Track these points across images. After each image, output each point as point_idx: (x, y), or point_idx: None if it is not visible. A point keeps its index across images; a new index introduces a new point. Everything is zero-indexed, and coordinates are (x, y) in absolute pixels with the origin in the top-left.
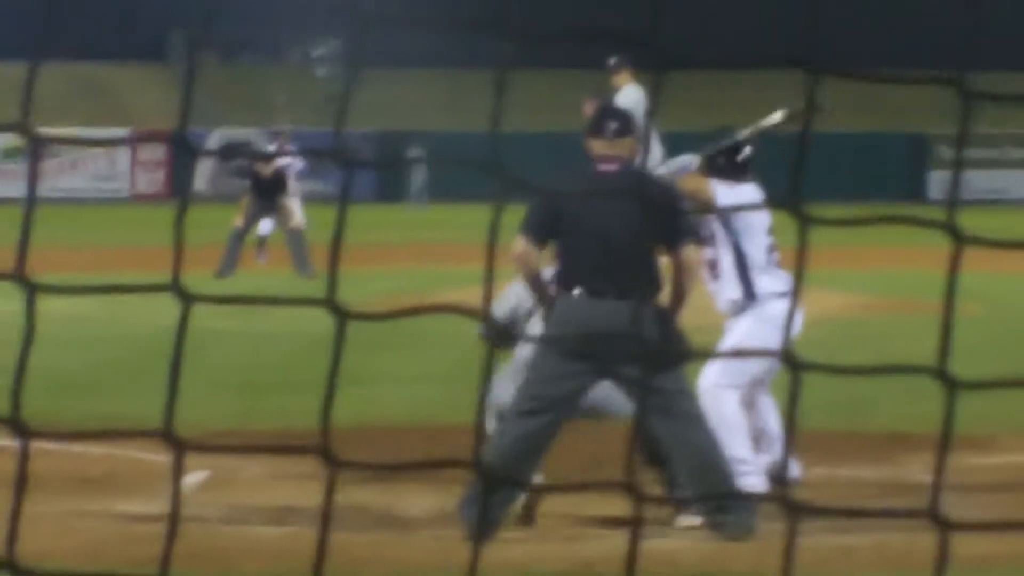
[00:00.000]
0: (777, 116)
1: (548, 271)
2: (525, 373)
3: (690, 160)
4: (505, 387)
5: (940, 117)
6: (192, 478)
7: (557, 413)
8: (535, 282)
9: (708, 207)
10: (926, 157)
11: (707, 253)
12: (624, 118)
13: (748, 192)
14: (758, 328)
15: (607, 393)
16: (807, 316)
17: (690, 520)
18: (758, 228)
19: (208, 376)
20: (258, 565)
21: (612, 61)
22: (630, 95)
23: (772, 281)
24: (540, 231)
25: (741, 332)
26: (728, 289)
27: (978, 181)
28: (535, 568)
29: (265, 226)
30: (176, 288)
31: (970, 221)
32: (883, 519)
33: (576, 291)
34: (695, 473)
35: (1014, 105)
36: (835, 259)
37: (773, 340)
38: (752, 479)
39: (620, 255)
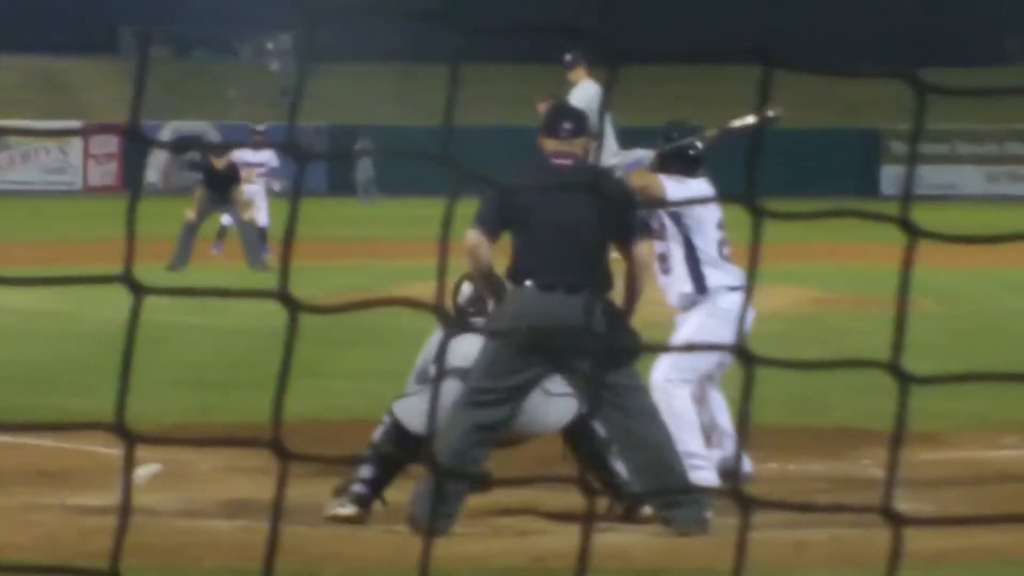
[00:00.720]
0: (749, 119)
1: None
2: (477, 363)
3: (643, 155)
4: (414, 386)
5: (893, 113)
6: (145, 471)
7: (509, 405)
8: (486, 275)
9: (659, 202)
10: (879, 152)
11: (657, 247)
12: (578, 118)
13: (699, 187)
14: (709, 322)
15: (529, 415)
16: (761, 311)
17: (647, 511)
18: (708, 222)
19: (164, 371)
20: (212, 559)
21: (568, 57)
22: (585, 91)
23: (723, 275)
24: (493, 223)
25: (692, 326)
26: (679, 283)
27: (929, 176)
28: (489, 563)
29: (227, 217)
30: (128, 280)
31: (921, 216)
32: (837, 514)
33: (528, 284)
34: (647, 468)
35: (965, 101)
36: (788, 254)
37: (724, 334)
38: (704, 473)
39: (573, 248)
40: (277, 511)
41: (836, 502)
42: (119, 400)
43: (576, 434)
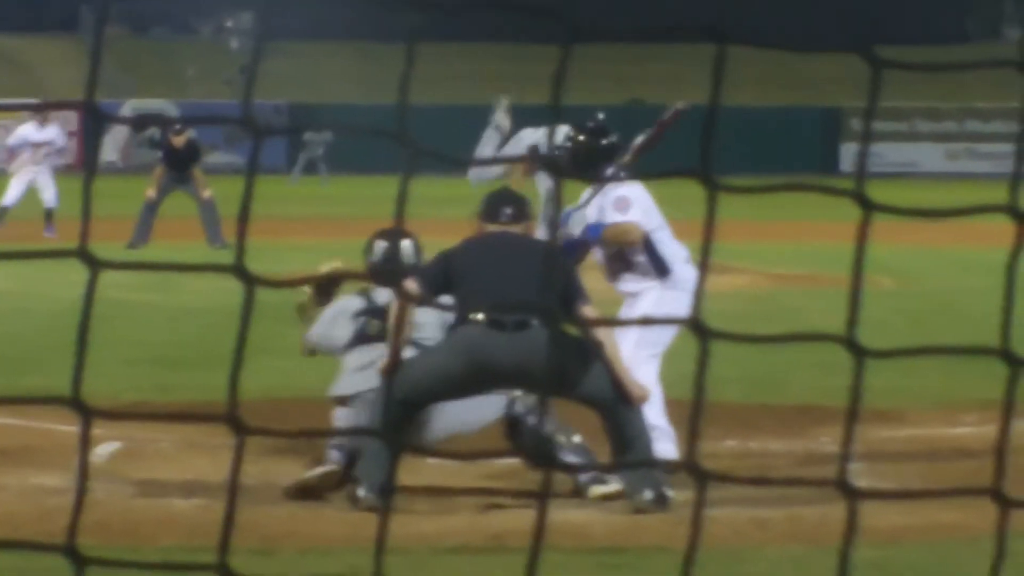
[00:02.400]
0: (639, 138)
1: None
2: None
3: (571, 208)
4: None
5: (852, 90)
6: (104, 449)
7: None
8: (398, 318)
9: (645, 238)
10: (838, 130)
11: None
12: (519, 203)
13: (636, 185)
14: (667, 295)
15: (460, 416)
16: (718, 290)
17: (603, 489)
18: (647, 204)
19: (120, 349)
20: (171, 537)
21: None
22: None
23: (676, 248)
24: (436, 283)
25: (650, 300)
26: (643, 275)
27: (889, 154)
28: (446, 541)
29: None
30: (83, 254)
31: (880, 194)
32: (796, 491)
33: (478, 317)
34: (619, 448)
35: (924, 79)
36: (745, 232)
37: (682, 306)
38: (666, 445)
39: (518, 292)
40: (233, 488)
41: (792, 476)
42: (75, 374)
43: (517, 433)
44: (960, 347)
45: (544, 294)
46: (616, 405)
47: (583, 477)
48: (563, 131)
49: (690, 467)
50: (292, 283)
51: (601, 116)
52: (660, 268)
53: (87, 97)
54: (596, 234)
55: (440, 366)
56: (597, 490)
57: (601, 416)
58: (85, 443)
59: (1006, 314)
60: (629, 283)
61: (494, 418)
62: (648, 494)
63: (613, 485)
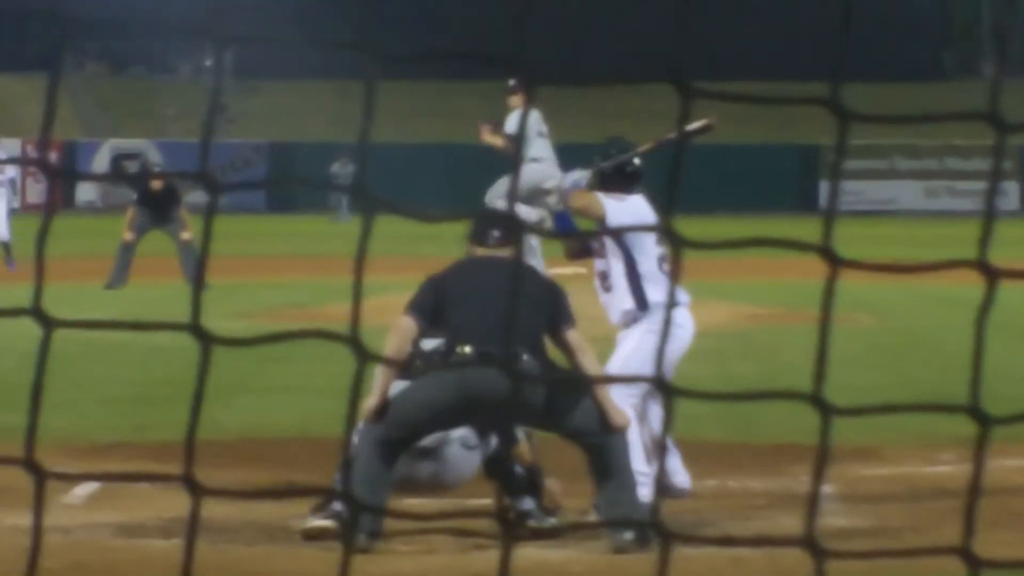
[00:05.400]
0: (673, 134)
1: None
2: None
3: (580, 176)
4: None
5: (831, 127)
6: (82, 490)
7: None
8: (398, 357)
9: (600, 222)
10: (816, 167)
11: (598, 265)
12: (508, 225)
13: (637, 203)
14: (648, 339)
15: (452, 468)
16: (696, 327)
17: (548, 522)
18: (648, 238)
19: (99, 388)
20: None
21: (510, 83)
22: (519, 117)
23: (663, 291)
24: (428, 311)
25: (631, 344)
26: (620, 300)
27: (868, 191)
28: None
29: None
30: (37, 313)
31: (861, 231)
32: (774, 528)
33: (467, 350)
34: (602, 484)
35: (903, 116)
36: (725, 270)
37: (667, 349)
38: (644, 490)
39: (504, 325)
40: (191, 540)
41: (771, 520)
42: (28, 436)
43: (496, 471)
44: (927, 404)
45: (531, 321)
46: (602, 441)
47: (525, 505)
48: (575, 176)
49: (655, 527)
50: (247, 342)
51: (626, 142)
52: (640, 301)
53: (41, 148)
54: (570, 190)
55: (430, 400)
56: (535, 524)
57: (586, 452)
58: (39, 504)
59: (975, 371)
60: (615, 312)
61: (478, 467)
62: (628, 534)
63: (550, 521)
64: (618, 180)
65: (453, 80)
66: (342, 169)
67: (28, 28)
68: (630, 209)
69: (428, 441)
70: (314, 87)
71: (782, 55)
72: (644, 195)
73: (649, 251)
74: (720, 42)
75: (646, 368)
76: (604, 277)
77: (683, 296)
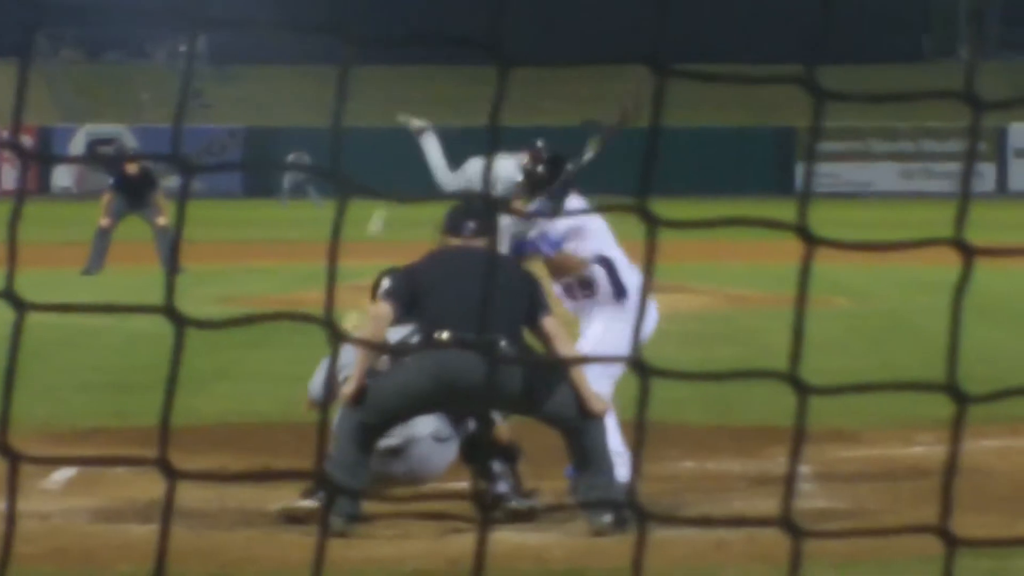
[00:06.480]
0: (592, 148)
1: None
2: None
3: (557, 236)
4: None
5: (807, 110)
6: (60, 476)
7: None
8: (373, 343)
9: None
10: (793, 149)
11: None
12: (482, 217)
13: (577, 203)
14: (616, 325)
15: (422, 463)
16: (676, 311)
17: (524, 504)
18: (603, 231)
19: (80, 374)
20: (128, 563)
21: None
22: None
23: (634, 276)
24: (405, 297)
25: (600, 326)
26: (604, 300)
27: (845, 173)
28: (404, 566)
29: None
30: (9, 296)
31: (837, 214)
32: (755, 510)
33: (444, 335)
34: (581, 468)
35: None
36: (703, 253)
37: (628, 335)
38: (622, 470)
39: (482, 306)
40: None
41: (750, 502)
42: (1, 419)
43: (473, 454)
44: (904, 383)
45: (508, 309)
46: (580, 425)
47: (501, 488)
48: (512, 163)
49: (634, 509)
50: (221, 324)
51: (540, 143)
52: (619, 291)
53: (12, 129)
54: (548, 247)
55: (407, 386)
56: (513, 505)
57: (564, 436)
58: (13, 489)
59: (952, 351)
60: (583, 303)
61: (453, 459)
62: (607, 517)
63: (527, 503)
64: (547, 184)
65: (435, 65)
66: (297, 160)
67: (2, 14)
68: (595, 221)
69: (395, 441)
70: (291, 73)
71: (761, 39)
72: (578, 194)
73: (610, 240)
74: (698, 25)
75: (619, 352)
76: (587, 285)
77: (636, 277)
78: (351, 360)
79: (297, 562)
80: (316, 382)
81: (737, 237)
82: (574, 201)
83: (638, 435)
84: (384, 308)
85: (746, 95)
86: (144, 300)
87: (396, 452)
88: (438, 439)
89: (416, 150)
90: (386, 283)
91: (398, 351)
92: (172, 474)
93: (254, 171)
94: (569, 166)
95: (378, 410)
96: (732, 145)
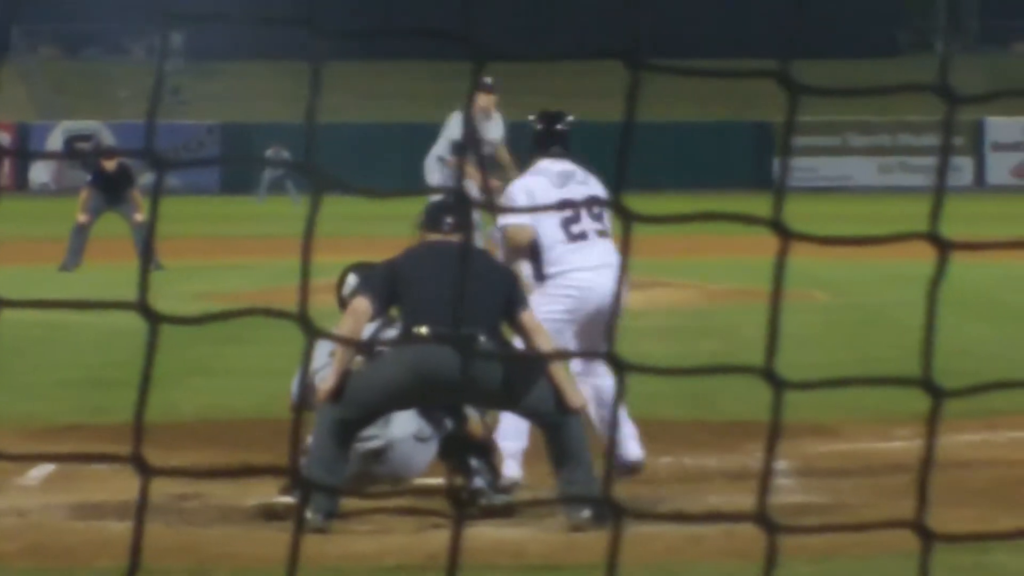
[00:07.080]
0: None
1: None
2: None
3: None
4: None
5: (785, 104)
6: (38, 472)
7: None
8: (352, 340)
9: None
10: (771, 144)
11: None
12: (460, 212)
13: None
14: (539, 299)
15: (402, 462)
16: (655, 305)
17: (501, 499)
18: (545, 196)
19: (59, 371)
20: (106, 559)
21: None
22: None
23: (571, 257)
24: (384, 294)
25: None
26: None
27: (822, 168)
28: (384, 561)
29: None
30: None
31: (815, 208)
32: (730, 505)
33: (423, 330)
34: (560, 463)
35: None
36: (681, 247)
37: (562, 301)
38: (633, 444)
39: (460, 300)
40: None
41: (728, 498)
42: None
43: (449, 450)
44: (879, 378)
45: (487, 304)
46: (558, 420)
47: (478, 483)
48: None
49: (608, 503)
50: (195, 321)
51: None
52: (539, 274)
53: None
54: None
55: (385, 380)
56: (490, 501)
57: (543, 430)
58: None
59: (927, 345)
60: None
61: (432, 458)
62: (585, 512)
63: (504, 498)
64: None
65: (411, 61)
66: (275, 156)
67: None
68: (529, 181)
69: (378, 444)
70: (268, 68)
71: (736, 34)
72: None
73: (546, 221)
74: (674, 20)
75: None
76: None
77: (595, 260)
78: (328, 361)
79: (275, 558)
80: (297, 381)
81: (714, 232)
82: (547, 163)
83: (612, 431)
84: (362, 304)
85: (724, 90)
86: (122, 296)
87: (378, 454)
88: (420, 439)
89: (394, 146)
90: (351, 279)
91: (377, 347)
92: (146, 471)
93: (231, 167)
94: (566, 123)
95: (357, 405)
96: (710, 139)
